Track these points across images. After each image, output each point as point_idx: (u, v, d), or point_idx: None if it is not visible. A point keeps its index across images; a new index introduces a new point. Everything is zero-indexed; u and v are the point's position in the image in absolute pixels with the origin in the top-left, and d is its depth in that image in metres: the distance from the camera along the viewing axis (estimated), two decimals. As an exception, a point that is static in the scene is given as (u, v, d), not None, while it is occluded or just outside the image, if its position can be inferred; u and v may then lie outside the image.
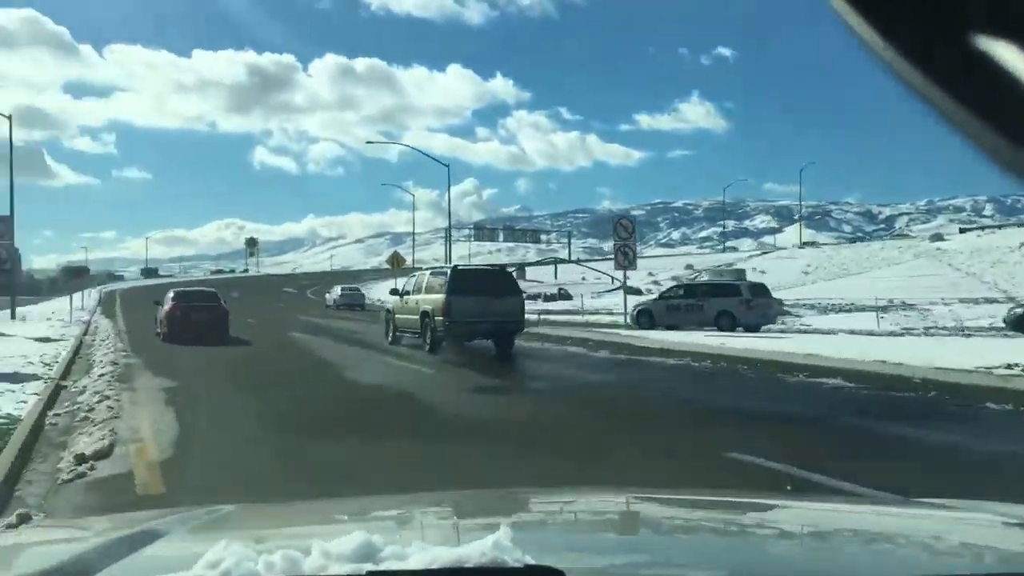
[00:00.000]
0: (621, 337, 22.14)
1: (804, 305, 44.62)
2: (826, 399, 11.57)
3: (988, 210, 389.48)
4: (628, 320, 27.75)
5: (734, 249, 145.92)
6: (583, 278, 75.93)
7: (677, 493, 2.86)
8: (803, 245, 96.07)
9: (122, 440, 8.41)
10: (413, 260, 74.07)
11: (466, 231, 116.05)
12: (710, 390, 12.99)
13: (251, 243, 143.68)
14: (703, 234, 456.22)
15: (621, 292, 32.96)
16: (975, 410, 10.10)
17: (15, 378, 12.99)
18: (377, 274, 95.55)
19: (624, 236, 24.53)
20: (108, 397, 11.49)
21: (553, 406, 11.35)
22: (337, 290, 53.15)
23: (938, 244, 79.29)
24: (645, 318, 27.40)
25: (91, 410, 10.50)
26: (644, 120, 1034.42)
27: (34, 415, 9.52)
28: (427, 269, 22.81)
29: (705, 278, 46.41)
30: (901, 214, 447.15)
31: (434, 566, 1.17)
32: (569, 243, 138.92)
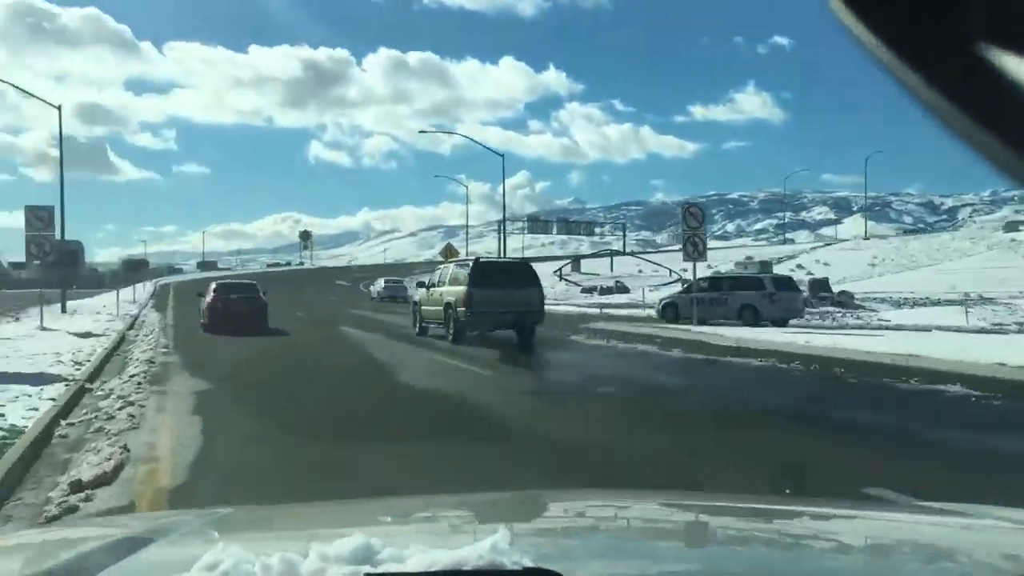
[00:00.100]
0: (691, 334, 20.49)
1: (874, 299, 42.56)
2: (959, 413, 9.83)
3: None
4: (655, 312, 27.76)
5: (791, 241, 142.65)
6: (639, 270, 74.08)
7: (677, 496, 3.00)
8: (869, 236, 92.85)
9: (133, 460, 7.13)
10: (467, 252, 72.88)
11: (520, 224, 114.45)
12: (815, 399, 11.18)
13: (305, 236, 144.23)
14: (758, 226, 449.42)
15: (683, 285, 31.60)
16: None
17: (38, 379, 11.89)
18: (430, 267, 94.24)
19: (693, 225, 22.66)
20: (132, 403, 10.30)
21: (640, 421, 9.64)
22: (380, 283, 54.24)
23: (1012, 235, 75.85)
24: (671, 311, 27.08)
25: (110, 419, 9.30)
26: (698, 111, 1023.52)
27: (40, 427, 8.33)
28: (451, 262, 23.28)
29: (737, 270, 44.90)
30: (964, 205, 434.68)
31: (432, 568, 1.16)
32: (624, 235, 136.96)
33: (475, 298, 18.93)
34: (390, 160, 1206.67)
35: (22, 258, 36.91)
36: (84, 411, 9.89)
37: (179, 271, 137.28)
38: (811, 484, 6.06)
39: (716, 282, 28.00)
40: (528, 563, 1.17)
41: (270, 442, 8.11)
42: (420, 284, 23.06)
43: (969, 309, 30.99)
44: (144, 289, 58.52)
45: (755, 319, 24.86)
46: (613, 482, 6.27)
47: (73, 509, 5.73)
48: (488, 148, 54.62)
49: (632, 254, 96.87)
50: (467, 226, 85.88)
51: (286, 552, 1.23)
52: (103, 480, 6.43)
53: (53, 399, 10.07)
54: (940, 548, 1.80)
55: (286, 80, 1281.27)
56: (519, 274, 20.42)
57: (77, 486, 6.24)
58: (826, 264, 67.80)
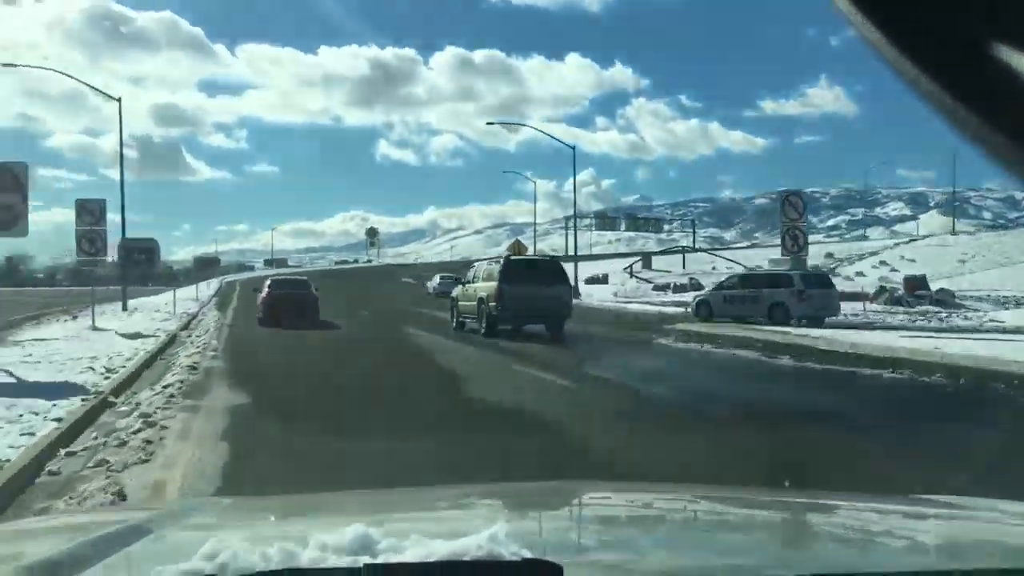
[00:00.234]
0: (790, 337, 18.26)
1: (973, 297, 39.53)
2: None
3: None
4: (690, 310, 27.32)
5: (864, 237, 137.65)
6: (712, 267, 71.35)
7: (675, 488, 3.11)
8: (956, 232, 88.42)
9: (124, 510, 5.38)
10: (534, 249, 71.10)
11: (587, 220, 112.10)
12: (1008, 434, 8.59)
13: (371, 233, 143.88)
14: (831, 222, 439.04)
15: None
16: None
17: (57, 391, 10.32)
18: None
19: (793, 216, 20.25)
20: (155, 423, 8.62)
21: (770, 455, 7.36)
22: (436, 279, 54.34)
23: (1116, 229, 71.16)
24: (704, 309, 26.67)
25: (121, 446, 7.62)
26: (768, 106, 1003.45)
27: (26, 459, 6.65)
28: (485, 260, 24.30)
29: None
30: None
31: (431, 559, 1.15)
32: (694, 232, 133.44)
33: (506, 294, 19.74)
34: (456, 158, 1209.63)
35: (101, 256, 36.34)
36: (94, 434, 8.22)
37: (249, 268, 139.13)
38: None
39: (747, 279, 27.76)
40: (527, 554, 1.16)
41: (307, 486, 6.28)
42: (457, 280, 23.94)
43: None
44: (209, 286, 57.90)
45: (785, 317, 24.29)
46: None
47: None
48: (558, 140, 52.92)
49: (706, 250, 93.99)
50: (535, 223, 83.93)
51: (285, 542, 1.23)
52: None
53: (60, 419, 8.41)
54: (940, 539, 1.83)
55: (354, 80, 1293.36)
56: (548, 271, 21.08)
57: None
58: (911, 261, 64.31)
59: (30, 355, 14.80)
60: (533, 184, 75.61)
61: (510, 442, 7.65)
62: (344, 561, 1.17)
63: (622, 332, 22.24)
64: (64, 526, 2.10)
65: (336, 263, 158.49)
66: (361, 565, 1.10)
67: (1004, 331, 21.86)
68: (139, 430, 8.26)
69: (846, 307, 34.37)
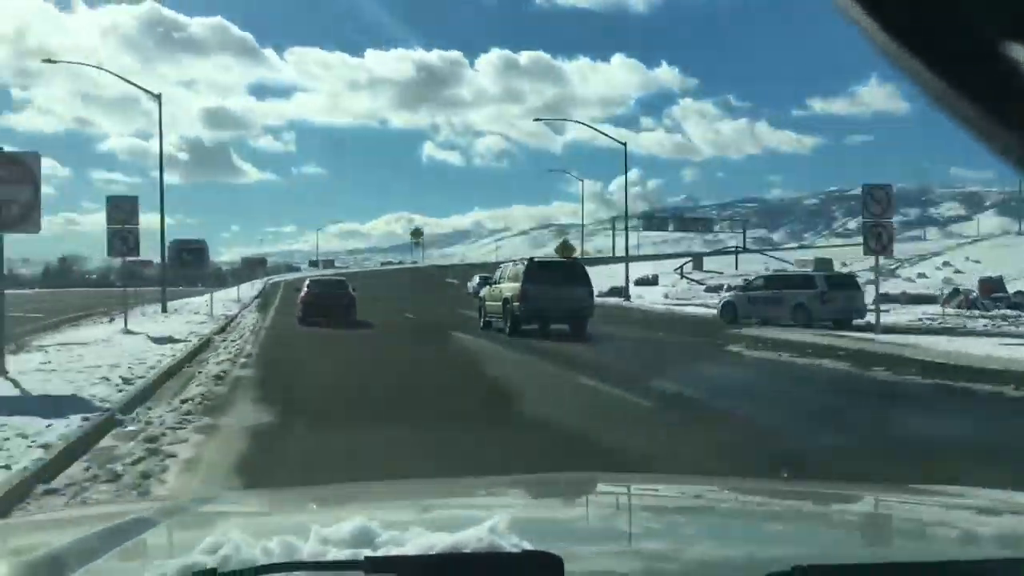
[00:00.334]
0: (877, 345, 16.54)
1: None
2: None
3: None
4: (717, 312, 27.49)
5: (919, 238, 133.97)
6: (766, 268, 69.23)
7: (675, 479, 3.16)
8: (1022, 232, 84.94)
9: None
10: (582, 250, 69.57)
11: (634, 221, 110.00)
12: None
13: (416, 234, 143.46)
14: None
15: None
16: None
17: (58, 407, 9.03)
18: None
19: (877, 211, 18.23)
20: (159, 451, 7.29)
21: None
22: (476, 279, 54.54)
23: None
24: (729, 310, 26.62)
25: (114, 480, 6.29)
26: (817, 105, 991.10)
27: (-15, 505, 5.33)
28: (510, 262, 24.51)
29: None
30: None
31: (432, 551, 1.15)
32: (744, 232, 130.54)
33: (529, 294, 20.15)
34: (501, 159, 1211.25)
35: (148, 256, 35.77)
36: (86, 465, 6.88)
37: (296, 269, 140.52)
38: None
39: (771, 281, 27.57)
40: (528, 546, 1.16)
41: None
42: (484, 280, 24.00)
43: None
44: (253, 287, 57.17)
45: (807, 319, 23.98)
46: None
47: None
48: (608, 136, 51.52)
49: (758, 251, 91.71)
50: (582, 224, 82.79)
51: (286, 535, 1.22)
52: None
53: (47, 446, 7.09)
54: (939, 527, 1.86)
55: (400, 82, 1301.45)
56: (571, 273, 21.60)
57: None
58: (976, 262, 61.56)
59: (48, 362, 13.64)
60: (580, 183, 74.52)
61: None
62: (345, 554, 1.16)
63: (683, 337, 20.64)
64: (68, 520, 2.09)
65: (382, 264, 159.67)
66: (362, 557, 1.10)
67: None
68: (139, 460, 6.92)
69: (916, 310, 32.45)
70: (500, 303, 21.72)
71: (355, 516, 1.28)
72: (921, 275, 54.98)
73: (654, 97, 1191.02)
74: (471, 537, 1.15)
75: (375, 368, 14.60)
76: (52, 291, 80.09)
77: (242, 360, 14.94)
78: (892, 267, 61.03)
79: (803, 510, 2.08)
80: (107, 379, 11.35)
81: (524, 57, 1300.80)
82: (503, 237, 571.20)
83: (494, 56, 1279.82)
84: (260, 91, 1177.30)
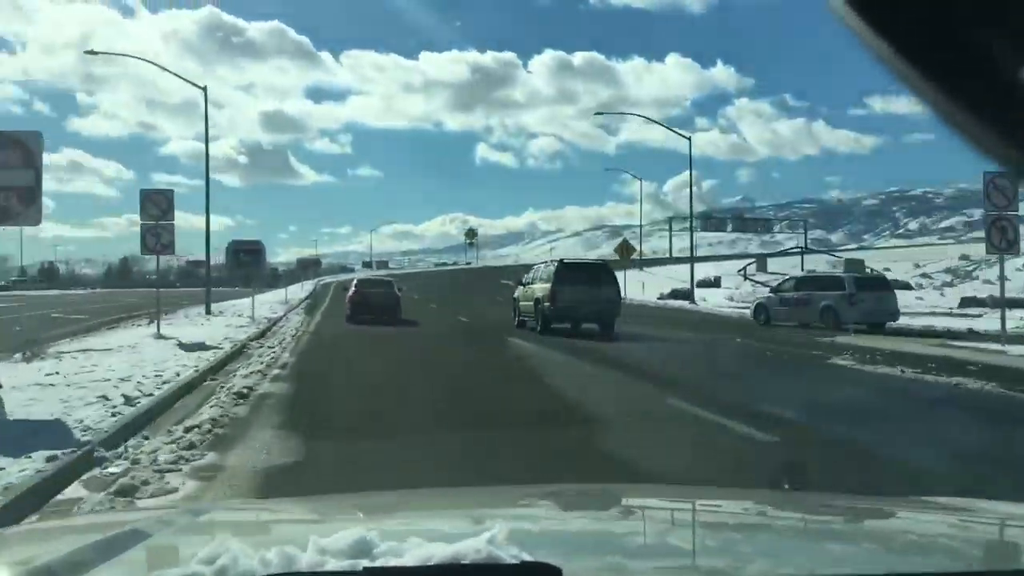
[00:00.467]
0: (1009, 358, 14.21)
1: None
2: None
3: None
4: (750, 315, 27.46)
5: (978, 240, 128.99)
6: (833, 268, 66.24)
7: (677, 491, 3.08)
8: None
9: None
10: (640, 250, 67.21)
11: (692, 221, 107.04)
12: None
13: (470, 235, 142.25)
14: (944, 224, 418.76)
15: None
16: None
17: (32, 439, 7.24)
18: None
19: (1001, 203, 15.77)
20: (140, 495, 5.42)
21: None
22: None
23: None
24: (762, 312, 26.65)
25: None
26: (877, 104, 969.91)
27: None
28: (542, 263, 25.51)
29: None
30: None
31: (430, 562, 1.13)
32: (805, 233, 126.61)
33: (559, 294, 20.84)
34: (555, 160, 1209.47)
35: (204, 257, 34.58)
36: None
37: (350, 270, 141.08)
38: None
39: (801, 283, 27.24)
40: (526, 557, 1.15)
41: None
42: (519, 282, 25.11)
43: None
44: (303, 288, 55.86)
45: (836, 322, 23.40)
46: None
47: None
48: (672, 130, 49.46)
49: (823, 252, 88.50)
50: (640, 224, 79.79)
51: (285, 546, 1.21)
52: None
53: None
54: (939, 539, 1.80)
55: (454, 84, 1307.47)
56: (599, 274, 22.25)
57: None
58: (1060, 263, 58.13)
59: (54, 373, 11.95)
60: (639, 182, 71.78)
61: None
62: (343, 564, 1.15)
63: (770, 345, 18.36)
64: (65, 529, 2.06)
65: (436, 265, 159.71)
66: (360, 568, 1.10)
67: None
68: (112, 508, 5.05)
69: (1014, 314, 29.70)
70: (532, 303, 22.43)
71: (353, 526, 1.28)
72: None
73: (709, 97, 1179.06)
74: (469, 548, 1.13)
75: (427, 385, 12.66)
76: (110, 291, 79.99)
77: (274, 372, 13.11)
78: (969, 268, 57.83)
79: (802, 522, 2.02)
80: (106, 398, 9.55)
81: (578, 58, 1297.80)
82: (557, 238, 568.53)
83: (547, 57, 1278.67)
84: (316, 94, 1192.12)
